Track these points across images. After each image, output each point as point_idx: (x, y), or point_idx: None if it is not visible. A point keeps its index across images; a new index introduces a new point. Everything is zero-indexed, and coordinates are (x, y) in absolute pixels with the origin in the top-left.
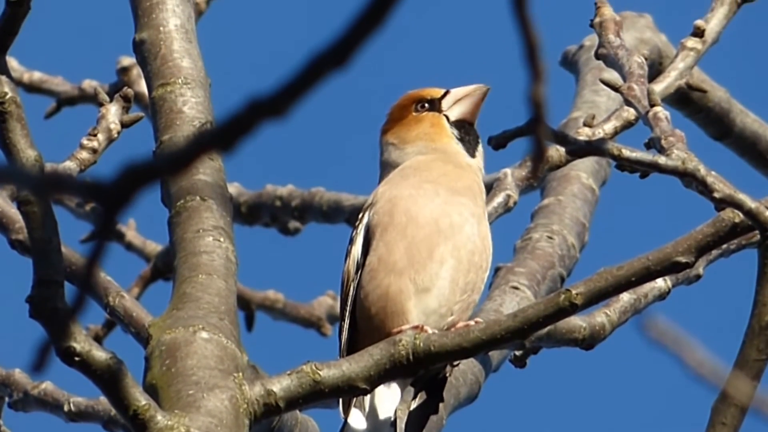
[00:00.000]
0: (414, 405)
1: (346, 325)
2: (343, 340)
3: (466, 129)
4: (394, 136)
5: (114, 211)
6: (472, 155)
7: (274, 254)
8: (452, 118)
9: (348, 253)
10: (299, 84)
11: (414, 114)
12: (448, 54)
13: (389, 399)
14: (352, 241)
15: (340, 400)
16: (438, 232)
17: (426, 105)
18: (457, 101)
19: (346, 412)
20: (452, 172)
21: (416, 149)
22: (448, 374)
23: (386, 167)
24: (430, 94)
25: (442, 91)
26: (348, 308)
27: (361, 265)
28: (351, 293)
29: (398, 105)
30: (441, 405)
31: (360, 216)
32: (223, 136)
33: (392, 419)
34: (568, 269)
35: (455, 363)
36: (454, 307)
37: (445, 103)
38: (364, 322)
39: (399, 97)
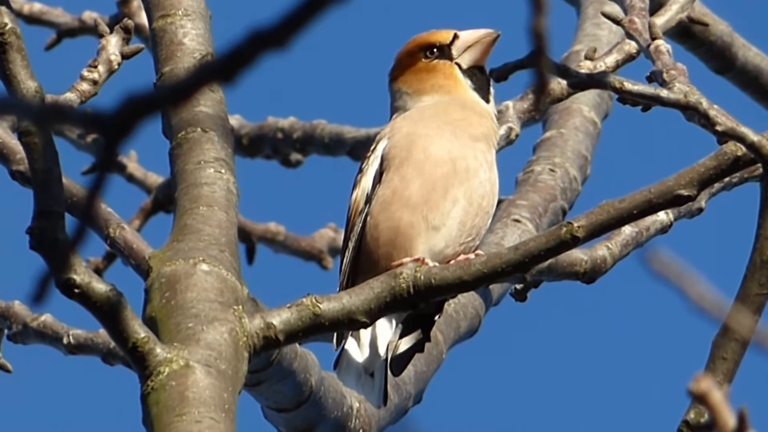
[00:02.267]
0: (402, 343)
1: (349, 257)
2: (344, 273)
3: (478, 76)
4: (406, 85)
5: (115, 142)
6: (487, 101)
7: (276, 186)
8: (464, 65)
9: (356, 184)
10: (301, 15)
11: (424, 61)
12: None
13: (384, 332)
14: (362, 171)
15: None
16: (454, 172)
17: (435, 51)
18: (468, 48)
19: (338, 344)
20: (471, 118)
21: (432, 100)
22: (437, 318)
23: (400, 112)
24: (439, 39)
25: (451, 34)
26: (354, 239)
27: (371, 197)
28: (358, 224)
29: (406, 51)
30: (434, 339)
31: (372, 146)
32: (224, 67)
33: (384, 353)
34: (570, 202)
35: (453, 296)
36: (458, 248)
37: (455, 50)
38: (369, 254)
39: (405, 42)
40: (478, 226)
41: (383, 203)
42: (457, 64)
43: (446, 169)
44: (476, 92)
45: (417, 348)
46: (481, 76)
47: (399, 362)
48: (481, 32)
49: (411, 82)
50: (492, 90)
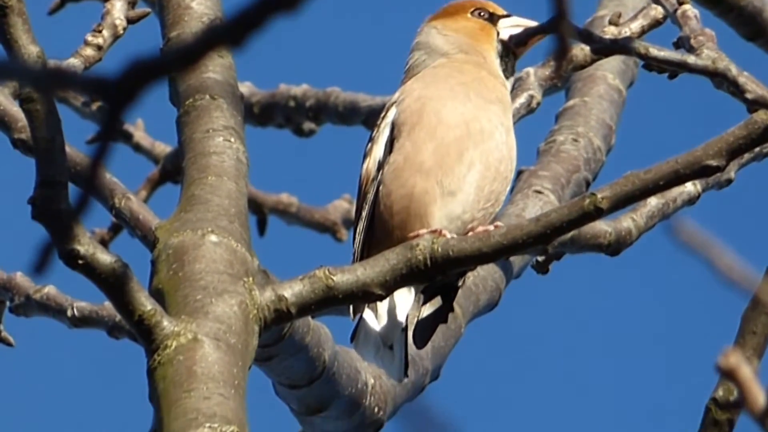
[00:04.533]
0: (423, 313)
1: (362, 228)
2: (357, 242)
3: (507, 54)
4: (439, 23)
5: (119, 109)
6: (510, 74)
7: (288, 156)
8: (502, 36)
9: (368, 153)
10: None
11: (469, 16)
12: None
13: (402, 303)
14: (372, 140)
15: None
16: (468, 135)
17: (483, 14)
18: (515, 27)
19: (355, 315)
20: (486, 79)
21: (456, 41)
22: (460, 284)
23: (419, 51)
24: (493, 8)
25: (505, 12)
26: (366, 209)
27: (383, 165)
28: (371, 193)
29: (457, 4)
30: (452, 313)
31: (383, 114)
32: (232, 31)
33: (404, 324)
34: (593, 173)
35: (472, 268)
36: (477, 214)
37: (502, 23)
38: (383, 224)
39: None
40: (497, 191)
41: (395, 170)
42: (497, 32)
43: (459, 132)
44: (500, 60)
45: (440, 319)
46: (508, 59)
47: (422, 334)
48: (534, 23)
49: (446, 22)
50: (512, 79)
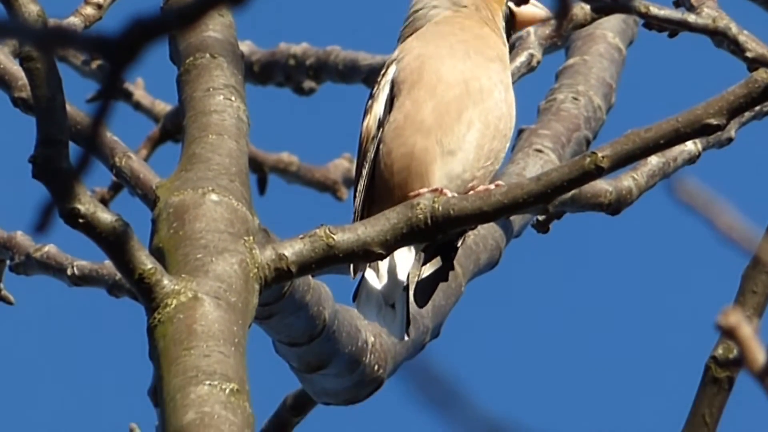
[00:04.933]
0: (424, 272)
1: (362, 186)
2: (358, 200)
3: (509, 25)
4: None
5: (120, 67)
6: (508, 38)
7: (288, 115)
8: (510, 4)
9: (368, 110)
10: None
11: None
12: None
13: (403, 261)
14: (372, 97)
15: None
16: (467, 94)
17: None
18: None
19: (355, 274)
20: (487, 36)
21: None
22: (460, 243)
23: (413, 26)
24: None
25: None
26: (366, 167)
27: (383, 123)
28: (371, 152)
29: None
30: (453, 272)
31: (383, 71)
32: None
33: (405, 283)
34: (594, 131)
35: (473, 227)
36: (477, 173)
37: None
38: (384, 182)
39: None
40: (497, 150)
41: (396, 129)
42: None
43: (458, 91)
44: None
45: (441, 277)
46: (510, 30)
47: (423, 292)
48: (542, 11)
49: None
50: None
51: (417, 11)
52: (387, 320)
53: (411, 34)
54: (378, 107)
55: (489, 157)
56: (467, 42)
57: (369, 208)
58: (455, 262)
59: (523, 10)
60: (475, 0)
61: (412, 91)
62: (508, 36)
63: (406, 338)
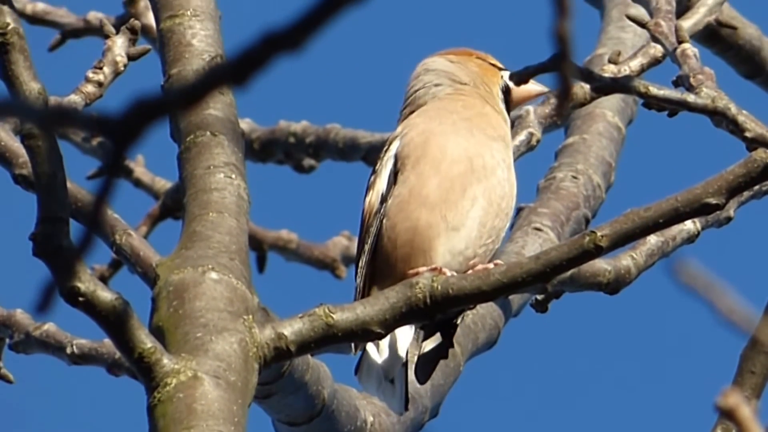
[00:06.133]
0: (424, 349)
1: (364, 262)
2: (360, 278)
3: (506, 102)
4: (451, 56)
5: (123, 147)
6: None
7: (288, 193)
8: (505, 79)
9: (371, 186)
10: (317, 16)
11: (476, 59)
12: None
13: (403, 338)
14: (375, 173)
15: None
16: (472, 170)
17: (490, 64)
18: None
19: (357, 349)
20: (490, 114)
21: (468, 71)
22: (459, 321)
23: (427, 77)
24: (493, 60)
25: (503, 66)
26: (369, 242)
27: (386, 197)
28: (374, 226)
29: (460, 50)
30: (452, 351)
31: (386, 147)
32: (236, 69)
33: (404, 360)
34: (593, 210)
35: (472, 306)
36: (478, 250)
37: (505, 74)
38: (386, 257)
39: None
40: (498, 228)
41: (400, 203)
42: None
43: (463, 167)
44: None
45: (442, 354)
46: (506, 104)
47: (424, 369)
48: (535, 87)
49: (457, 54)
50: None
51: (417, 90)
52: (386, 395)
53: (413, 112)
54: (381, 182)
55: (491, 235)
56: (471, 120)
57: (371, 283)
58: (454, 340)
59: (519, 87)
60: (474, 77)
61: (417, 166)
62: (507, 112)
63: (404, 414)
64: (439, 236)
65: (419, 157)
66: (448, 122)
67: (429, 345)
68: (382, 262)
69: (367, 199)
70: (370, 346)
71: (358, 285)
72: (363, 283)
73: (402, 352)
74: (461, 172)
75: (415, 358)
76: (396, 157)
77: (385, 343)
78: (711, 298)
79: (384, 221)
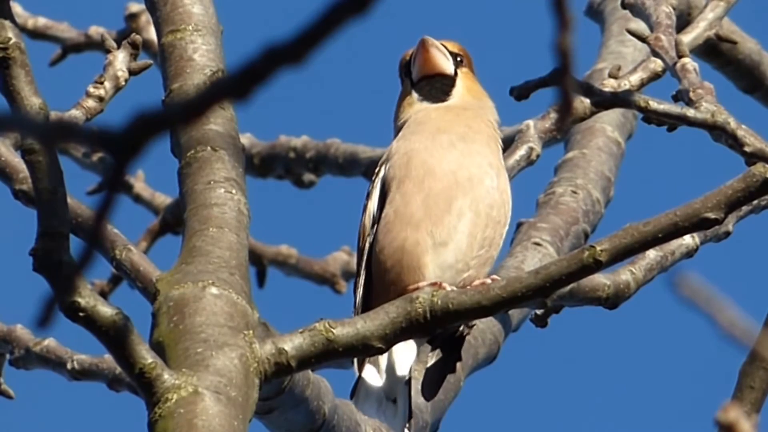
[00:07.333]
0: (430, 364)
1: (361, 281)
2: (358, 297)
3: (425, 84)
4: (396, 110)
5: (124, 162)
6: (444, 99)
7: (288, 208)
8: (414, 80)
9: (365, 208)
10: (319, 30)
11: (403, 84)
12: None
13: (405, 356)
14: (368, 196)
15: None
16: (456, 184)
17: (405, 71)
18: (413, 62)
19: (360, 368)
20: (471, 120)
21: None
22: (465, 333)
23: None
24: (405, 58)
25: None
26: (363, 264)
27: (377, 219)
28: (366, 249)
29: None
30: (458, 364)
31: (376, 170)
32: (238, 84)
33: (407, 377)
34: (592, 225)
35: (473, 322)
36: (470, 262)
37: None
38: (380, 277)
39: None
40: (491, 237)
41: (387, 224)
42: (411, 81)
43: (446, 182)
44: (427, 100)
45: (448, 368)
46: (429, 82)
47: (430, 385)
48: (416, 46)
49: (398, 108)
50: (457, 86)
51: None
52: (388, 415)
53: (400, 130)
54: (372, 205)
55: (483, 245)
56: (450, 131)
57: (369, 304)
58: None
59: (419, 58)
60: (404, 115)
61: (401, 186)
62: (440, 89)
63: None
64: (427, 252)
65: (403, 176)
66: (427, 138)
67: (435, 359)
68: (376, 283)
69: (362, 222)
70: (367, 372)
71: (357, 307)
72: (361, 304)
73: (404, 370)
74: (445, 187)
75: (421, 374)
76: (383, 181)
77: (384, 362)
78: (710, 311)
79: (374, 244)
